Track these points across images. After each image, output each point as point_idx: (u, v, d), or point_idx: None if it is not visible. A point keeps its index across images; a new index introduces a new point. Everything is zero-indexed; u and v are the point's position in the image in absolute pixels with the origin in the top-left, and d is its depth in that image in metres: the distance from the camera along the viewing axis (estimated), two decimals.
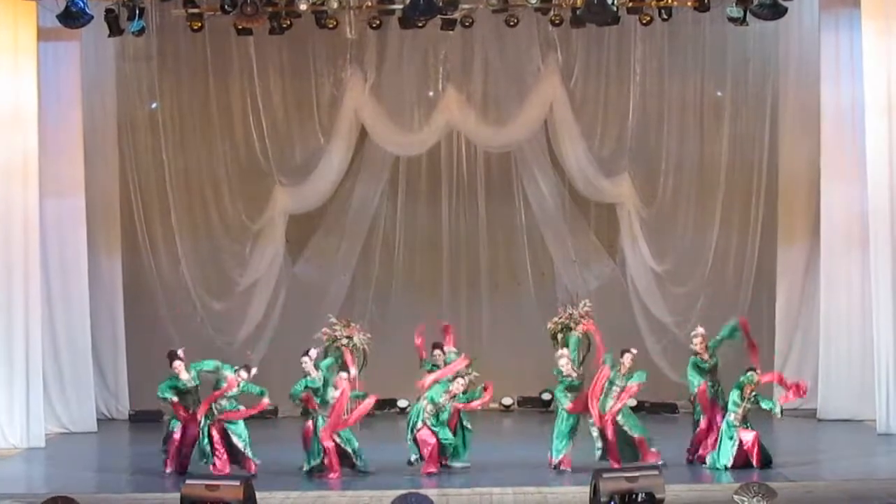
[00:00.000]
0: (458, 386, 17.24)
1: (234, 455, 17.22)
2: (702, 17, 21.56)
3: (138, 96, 22.88)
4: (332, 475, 16.80)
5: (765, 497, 13.48)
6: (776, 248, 22.46)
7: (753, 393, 17.09)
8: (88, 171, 21.24)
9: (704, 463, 17.30)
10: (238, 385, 17.24)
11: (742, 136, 22.87)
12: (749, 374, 17.17)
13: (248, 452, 17.19)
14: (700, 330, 18.00)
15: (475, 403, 17.44)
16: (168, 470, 17.36)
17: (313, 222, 23.35)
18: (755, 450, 16.98)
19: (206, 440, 17.12)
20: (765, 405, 17.23)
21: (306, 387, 17.07)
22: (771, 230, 22.61)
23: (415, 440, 17.04)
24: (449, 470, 17.13)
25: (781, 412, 17.59)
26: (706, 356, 17.72)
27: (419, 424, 17.05)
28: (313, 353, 17.58)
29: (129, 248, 22.70)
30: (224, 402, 17.19)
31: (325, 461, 16.85)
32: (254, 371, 17.65)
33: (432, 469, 16.96)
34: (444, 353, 17.99)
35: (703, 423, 17.56)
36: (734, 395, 17.18)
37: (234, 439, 17.19)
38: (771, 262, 22.58)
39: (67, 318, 21.08)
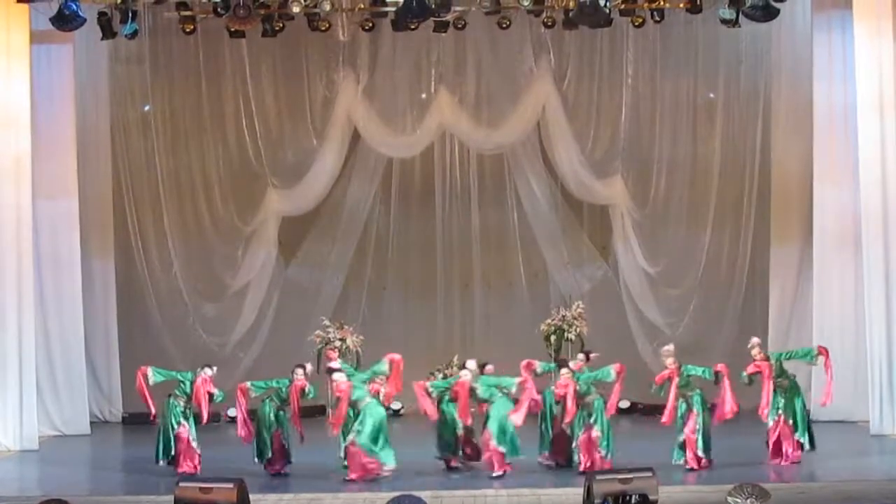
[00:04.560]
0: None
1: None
2: (694, 18, 21.59)
3: (131, 99, 22.91)
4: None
5: (758, 498, 13.46)
6: (769, 248, 22.47)
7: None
8: (81, 174, 21.25)
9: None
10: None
11: (734, 138, 22.90)
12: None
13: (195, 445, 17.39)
14: (755, 340, 17.89)
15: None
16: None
17: (306, 224, 23.37)
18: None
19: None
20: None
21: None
22: (763, 231, 22.63)
23: None
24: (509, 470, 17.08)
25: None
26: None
27: None
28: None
29: (121, 251, 22.71)
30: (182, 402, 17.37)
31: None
32: (215, 369, 17.72)
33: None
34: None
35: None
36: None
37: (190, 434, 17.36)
38: (763, 263, 22.60)
39: (60, 321, 21.08)
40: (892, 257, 19.62)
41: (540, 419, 17.54)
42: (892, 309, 19.61)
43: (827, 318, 20.74)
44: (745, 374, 17.44)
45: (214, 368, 17.68)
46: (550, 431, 17.50)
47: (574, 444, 16.99)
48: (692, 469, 16.93)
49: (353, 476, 16.61)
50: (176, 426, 17.29)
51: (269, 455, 17.25)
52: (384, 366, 17.24)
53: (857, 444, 18.95)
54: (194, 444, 17.33)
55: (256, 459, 17.28)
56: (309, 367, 17.63)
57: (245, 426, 17.31)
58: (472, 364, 17.38)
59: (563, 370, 17.19)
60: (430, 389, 17.39)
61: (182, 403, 17.40)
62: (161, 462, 17.30)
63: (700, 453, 17.02)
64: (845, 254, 20.63)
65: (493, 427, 16.79)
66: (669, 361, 17.33)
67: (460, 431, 17.33)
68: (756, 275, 22.83)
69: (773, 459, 17.32)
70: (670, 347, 17.67)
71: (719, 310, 22.83)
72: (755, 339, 17.98)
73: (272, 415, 17.30)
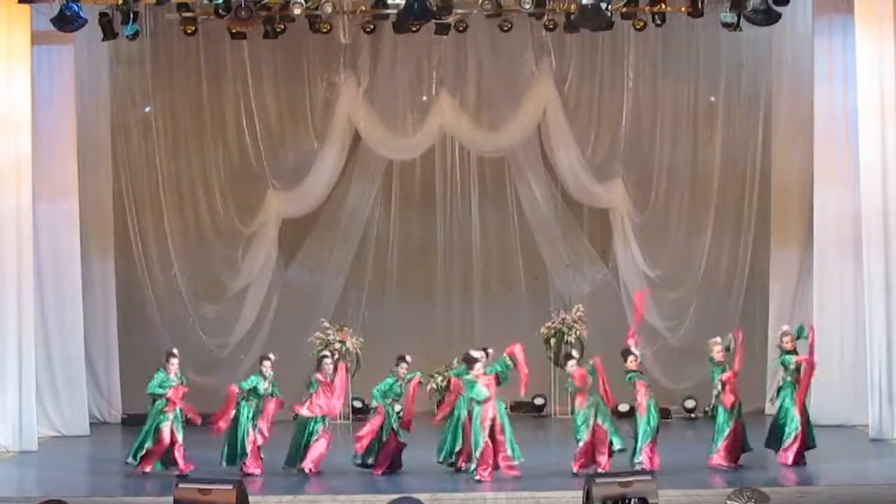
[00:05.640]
0: None
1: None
2: (695, 22, 21.58)
3: (132, 100, 22.90)
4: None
5: (758, 502, 13.48)
6: (769, 252, 22.48)
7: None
8: (82, 175, 21.25)
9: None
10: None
11: (735, 141, 22.90)
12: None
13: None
14: (785, 328, 18.23)
15: None
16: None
17: (306, 226, 23.36)
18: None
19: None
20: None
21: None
22: (764, 235, 22.64)
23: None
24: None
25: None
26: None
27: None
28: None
29: (121, 252, 22.70)
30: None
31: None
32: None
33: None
34: None
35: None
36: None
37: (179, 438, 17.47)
38: (764, 267, 22.60)
39: (60, 322, 21.06)
40: (892, 261, 19.63)
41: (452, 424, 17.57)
42: (891, 313, 19.62)
43: (827, 322, 20.71)
44: (793, 359, 17.63)
45: (176, 351, 17.89)
46: (460, 438, 17.39)
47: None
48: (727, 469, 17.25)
49: (485, 475, 16.77)
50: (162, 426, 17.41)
51: (245, 456, 17.25)
52: (508, 360, 17.48)
53: (857, 448, 18.96)
54: (178, 437, 17.42)
55: (224, 463, 17.26)
56: (273, 357, 17.68)
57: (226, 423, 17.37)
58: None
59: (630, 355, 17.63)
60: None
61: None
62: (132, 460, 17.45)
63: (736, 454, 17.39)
64: (845, 257, 20.64)
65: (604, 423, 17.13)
66: (717, 349, 17.56)
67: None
68: (756, 278, 22.82)
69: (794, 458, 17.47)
70: (718, 339, 17.76)
71: (719, 313, 22.79)
72: (785, 327, 18.22)
73: (249, 415, 17.31)
